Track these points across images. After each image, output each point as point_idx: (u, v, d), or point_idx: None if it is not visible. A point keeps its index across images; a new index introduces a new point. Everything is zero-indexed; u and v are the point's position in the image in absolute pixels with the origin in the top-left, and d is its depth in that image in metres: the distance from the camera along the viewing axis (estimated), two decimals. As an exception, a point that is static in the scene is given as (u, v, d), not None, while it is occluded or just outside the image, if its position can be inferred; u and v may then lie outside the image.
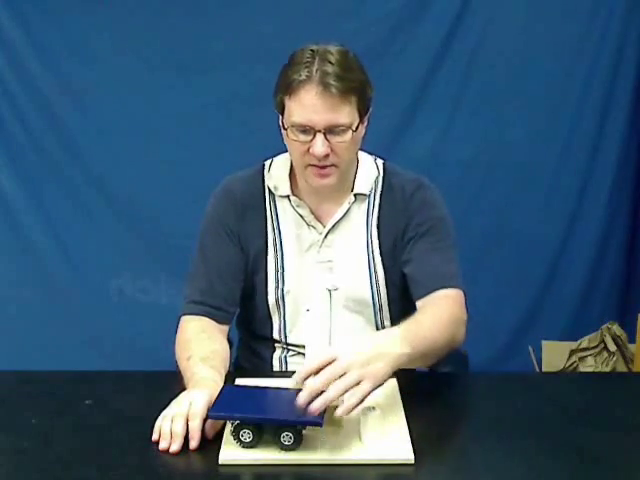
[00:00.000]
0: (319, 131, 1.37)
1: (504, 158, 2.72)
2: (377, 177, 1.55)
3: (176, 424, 1.15)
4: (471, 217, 2.64)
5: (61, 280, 2.72)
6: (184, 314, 1.50)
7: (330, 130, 1.38)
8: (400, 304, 1.54)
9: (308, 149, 1.39)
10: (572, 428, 1.24)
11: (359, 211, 1.53)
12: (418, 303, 1.46)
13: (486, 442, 1.14)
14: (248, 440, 1.11)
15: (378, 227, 1.52)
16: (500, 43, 2.66)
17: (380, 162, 1.58)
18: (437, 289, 1.44)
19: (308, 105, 1.37)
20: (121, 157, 2.66)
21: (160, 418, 1.18)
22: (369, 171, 1.55)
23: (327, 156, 1.39)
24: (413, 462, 1.09)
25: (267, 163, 1.57)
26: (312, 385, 1.11)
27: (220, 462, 1.10)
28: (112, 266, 2.72)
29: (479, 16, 2.64)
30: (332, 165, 1.41)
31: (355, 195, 1.52)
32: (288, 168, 1.54)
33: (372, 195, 1.54)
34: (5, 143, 2.65)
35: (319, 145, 1.37)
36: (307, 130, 1.38)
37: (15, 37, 2.59)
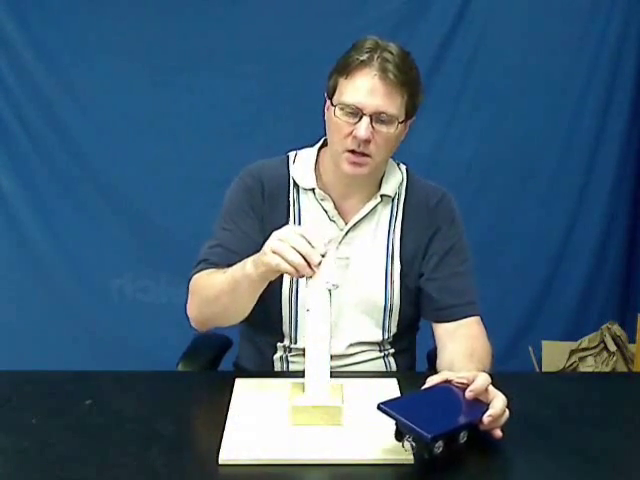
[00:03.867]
0: (366, 115, 1.38)
1: (504, 158, 2.72)
2: (402, 181, 1.57)
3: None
4: (471, 217, 2.63)
5: (61, 280, 2.72)
6: (195, 273, 1.48)
7: (377, 117, 1.39)
8: (410, 309, 1.55)
9: (350, 132, 1.40)
10: (572, 428, 1.24)
11: (383, 213, 1.54)
12: (441, 327, 1.49)
13: (486, 442, 1.14)
14: (440, 450, 1.08)
15: (401, 231, 1.53)
16: (500, 43, 2.66)
17: (403, 167, 1.60)
18: (462, 318, 1.47)
19: (362, 88, 1.39)
20: (121, 157, 2.65)
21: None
22: (395, 174, 1.56)
23: (368, 142, 1.40)
24: (413, 462, 1.09)
25: (291, 155, 1.58)
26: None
27: (220, 462, 1.10)
28: (112, 266, 2.71)
29: (479, 16, 2.65)
30: (368, 155, 1.42)
31: (381, 196, 1.53)
32: (313, 162, 1.54)
33: (396, 198, 1.55)
34: (5, 143, 2.65)
35: (363, 128, 1.38)
36: (355, 112, 1.40)
37: (15, 37, 2.59)
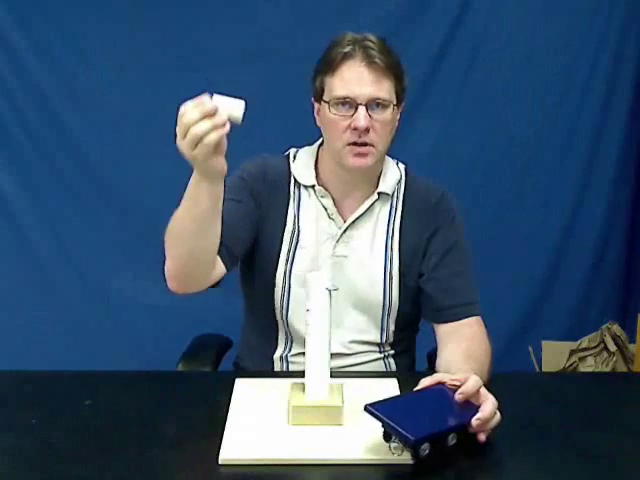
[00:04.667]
0: (361, 104, 1.39)
1: (504, 158, 2.72)
2: (400, 179, 1.57)
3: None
4: (471, 217, 2.63)
5: (61, 280, 2.72)
6: None
7: (371, 104, 1.40)
8: (408, 308, 1.54)
9: (348, 125, 1.41)
10: (572, 428, 1.24)
11: (382, 211, 1.54)
12: (441, 328, 1.48)
13: (486, 442, 1.14)
14: (426, 452, 1.08)
15: (400, 230, 1.53)
16: (500, 43, 2.66)
17: (402, 166, 1.60)
18: (461, 318, 1.46)
19: (351, 78, 1.40)
20: (121, 157, 2.65)
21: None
22: (393, 172, 1.56)
23: (367, 132, 1.41)
24: (413, 462, 1.09)
25: (292, 152, 1.59)
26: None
27: (220, 462, 1.10)
28: (112, 266, 2.71)
29: (479, 16, 2.64)
30: (370, 145, 1.42)
31: (379, 194, 1.53)
32: (314, 159, 1.55)
33: (395, 196, 1.55)
34: (5, 143, 2.64)
35: (361, 118, 1.39)
36: (349, 104, 1.40)
37: (15, 37, 2.58)
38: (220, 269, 1.42)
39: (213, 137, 1.17)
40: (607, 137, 2.74)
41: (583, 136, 2.74)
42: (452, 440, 1.11)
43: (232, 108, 1.19)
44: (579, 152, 2.74)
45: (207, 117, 1.16)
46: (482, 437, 1.13)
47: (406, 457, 1.10)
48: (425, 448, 1.07)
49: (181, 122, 1.18)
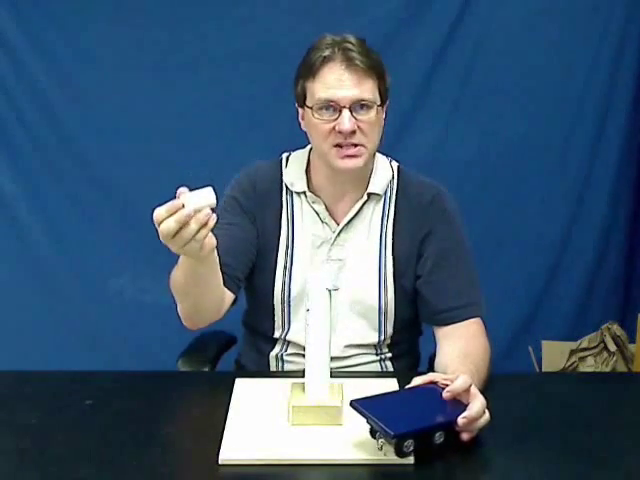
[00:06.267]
0: (345, 107, 1.38)
1: (504, 158, 2.71)
2: (392, 178, 1.55)
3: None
4: (471, 217, 2.63)
5: (61, 280, 2.72)
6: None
7: (355, 106, 1.39)
8: (406, 311, 1.53)
9: (333, 128, 1.40)
10: (572, 428, 1.24)
11: (374, 212, 1.52)
12: (440, 329, 1.47)
13: (486, 442, 1.14)
14: (410, 449, 1.08)
15: (393, 230, 1.52)
16: (500, 43, 2.66)
17: (395, 164, 1.58)
18: (460, 321, 1.45)
19: (333, 81, 1.39)
20: (121, 157, 2.65)
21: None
22: (384, 171, 1.55)
23: (353, 134, 1.40)
24: (413, 462, 1.09)
25: (284, 157, 1.58)
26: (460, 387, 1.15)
27: (220, 462, 1.10)
28: (112, 266, 2.71)
29: (479, 16, 2.64)
30: (359, 145, 1.41)
31: (368, 194, 1.51)
32: (305, 164, 1.54)
33: (387, 196, 1.53)
34: (5, 143, 2.64)
35: (346, 121, 1.38)
36: (332, 107, 1.39)
37: (15, 37, 2.58)
38: (229, 297, 1.45)
39: (203, 233, 1.15)
40: (607, 137, 2.74)
41: (583, 136, 2.73)
42: (439, 438, 1.11)
43: (204, 199, 1.15)
44: (579, 152, 2.74)
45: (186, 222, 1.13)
46: (465, 436, 1.12)
47: (408, 458, 1.10)
48: (409, 445, 1.07)
49: (161, 231, 1.15)
